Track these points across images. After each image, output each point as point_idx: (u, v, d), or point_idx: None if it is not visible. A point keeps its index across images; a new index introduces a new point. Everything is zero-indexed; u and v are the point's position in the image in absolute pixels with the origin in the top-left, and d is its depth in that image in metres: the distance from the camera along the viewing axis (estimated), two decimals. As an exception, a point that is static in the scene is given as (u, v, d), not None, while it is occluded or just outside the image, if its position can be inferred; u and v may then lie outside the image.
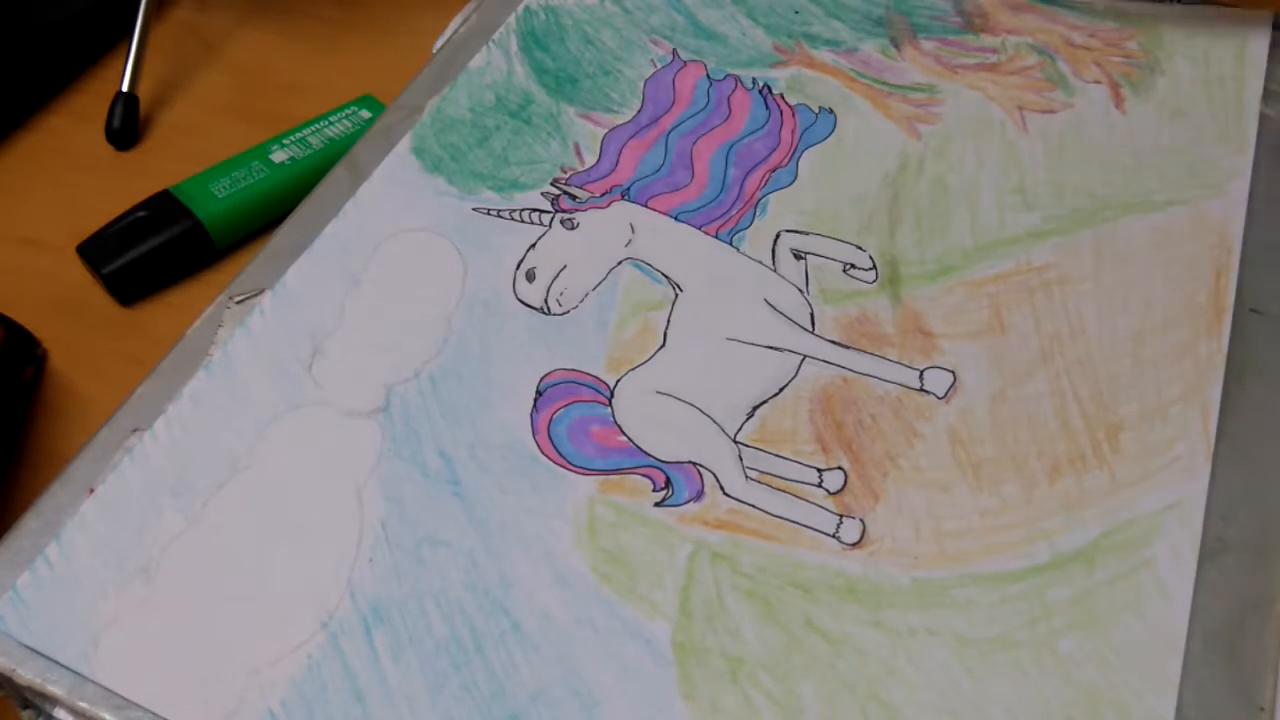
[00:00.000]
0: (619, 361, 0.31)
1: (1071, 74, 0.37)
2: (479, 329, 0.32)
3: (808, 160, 0.36)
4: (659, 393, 0.30)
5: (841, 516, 0.28)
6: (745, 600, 0.27)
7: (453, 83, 0.39)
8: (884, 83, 0.38)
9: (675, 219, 0.35)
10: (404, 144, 0.37)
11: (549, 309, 0.33)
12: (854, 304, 0.32)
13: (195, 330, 0.32)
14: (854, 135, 0.36)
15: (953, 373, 0.30)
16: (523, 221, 0.35)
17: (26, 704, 0.27)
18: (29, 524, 0.29)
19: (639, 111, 0.38)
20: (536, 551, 0.28)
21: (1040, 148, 0.35)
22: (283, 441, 0.30)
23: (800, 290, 0.33)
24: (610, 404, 0.30)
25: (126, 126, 0.46)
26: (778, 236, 0.34)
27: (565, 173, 0.36)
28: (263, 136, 0.44)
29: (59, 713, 0.27)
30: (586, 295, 0.33)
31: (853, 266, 0.33)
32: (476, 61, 0.40)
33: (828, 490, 0.28)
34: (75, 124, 0.48)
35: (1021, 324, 0.31)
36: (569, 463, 0.29)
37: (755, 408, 0.30)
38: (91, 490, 0.29)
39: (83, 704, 0.26)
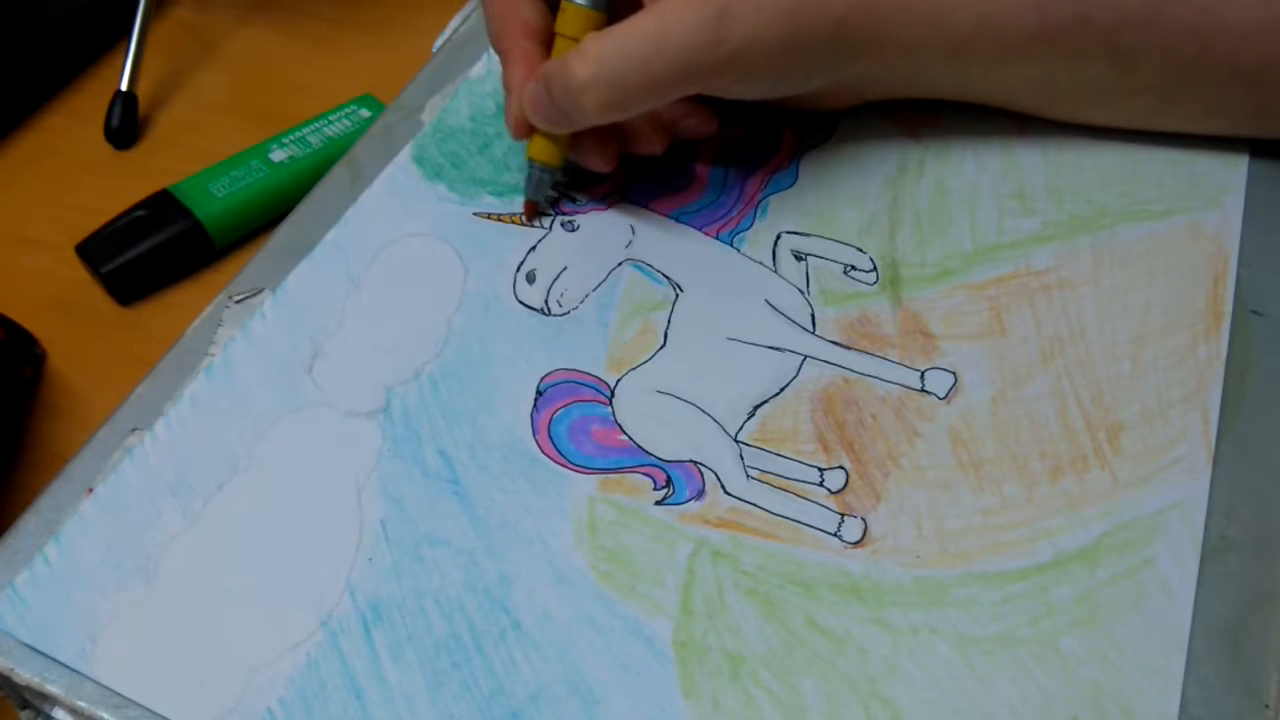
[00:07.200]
0: (620, 361, 0.31)
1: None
2: (479, 330, 0.32)
3: (808, 162, 0.36)
4: (659, 392, 0.30)
5: (843, 515, 0.28)
6: (746, 599, 0.27)
7: (454, 93, 0.39)
8: (884, 85, 0.38)
9: (676, 220, 0.35)
10: (404, 153, 0.37)
11: (549, 310, 0.33)
12: (855, 305, 0.32)
13: (194, 330, 0.32)
14: (854, 137, 0.36)
15: (954, 373, 0.30)
16: (523, 224, 0.35)
17: (25, 704, 0.27)
18: (28, 523, 0.29)
19: (639, 113, 0.38)
20: (536, 550, 0.28)
21: (1039, 154, 0.35)
22: (283, 442, 0.30)
23: (801, 291, 0.32)
24: (610, 403, 0.30)
25: (126, 126, 0.46)
26: (778, 238, 0.34)
27: (565, 175, 0.36)
28: (262, 136, 0.44)
29: (57, 712, 0.27)
30: (587, 296, 0.33)
31: (853, 268, 0.33)
32: (477, 70, 0.40)
33: (829, 489, 0.28)
34: (75, 123, 0.48)
35: (1022, 326, 0.31)
36: (569, 462, 0.29)
37: (756, 407, 0.30)
38: (90, 490, 0.29)
39: (81, 703, 0.26)
